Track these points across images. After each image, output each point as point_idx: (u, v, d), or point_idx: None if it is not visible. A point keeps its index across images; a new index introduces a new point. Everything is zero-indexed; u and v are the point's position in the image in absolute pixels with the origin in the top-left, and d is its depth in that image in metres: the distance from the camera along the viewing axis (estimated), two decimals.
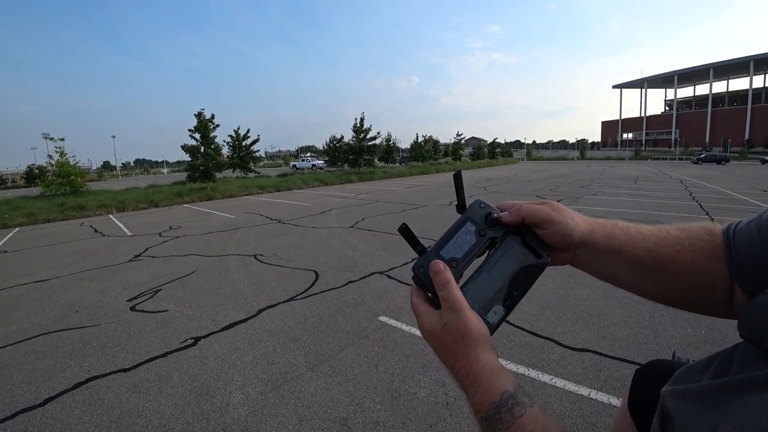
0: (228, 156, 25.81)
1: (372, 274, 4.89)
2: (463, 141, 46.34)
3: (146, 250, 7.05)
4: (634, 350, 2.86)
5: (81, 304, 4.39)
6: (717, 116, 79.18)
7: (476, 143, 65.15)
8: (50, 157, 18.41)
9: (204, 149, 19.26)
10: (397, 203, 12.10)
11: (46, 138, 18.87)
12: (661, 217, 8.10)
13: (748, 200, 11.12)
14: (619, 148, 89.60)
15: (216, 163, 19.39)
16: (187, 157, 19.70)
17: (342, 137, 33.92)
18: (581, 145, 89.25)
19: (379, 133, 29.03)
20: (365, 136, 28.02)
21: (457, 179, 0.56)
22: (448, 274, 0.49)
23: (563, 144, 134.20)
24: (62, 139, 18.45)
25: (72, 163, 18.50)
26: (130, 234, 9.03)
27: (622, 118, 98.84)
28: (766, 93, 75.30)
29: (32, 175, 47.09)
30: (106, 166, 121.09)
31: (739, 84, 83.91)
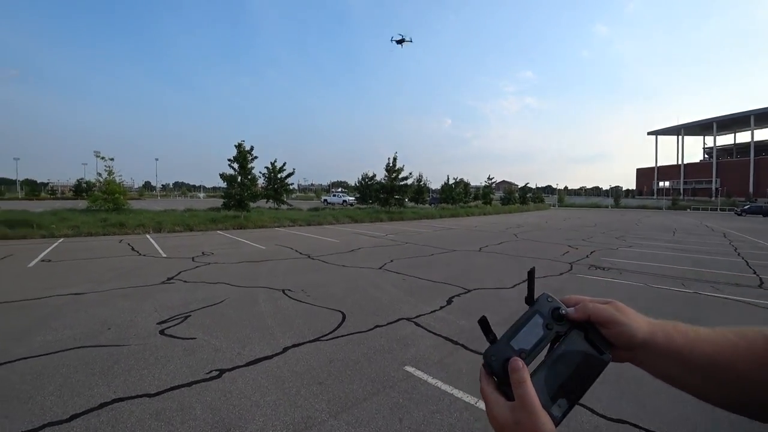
0: (263, 187, 26.69)
1: (399, 320, 4.81)
2: (493, 184, 46.16)
3: (179, 273, 7.23)
4: (676, 425, 2.64)
5: (114, 322, 4.50)
6: (760, 165, 75.06)
7: (507, 187, 64.79)
8: (99, 174, 19.71)
9: (241, 179, 20.00)
10: (426, 246, 12.01)
11: (97, 156, 20.18)
12: (702, 274, 7.61)
13: None
14: (655, 197, 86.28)
15: (251, 193, 20.04)
16: (223, 184, 20.48)
17: (374, 175, 34.51)
18: (615, 192, 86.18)
19: (411, 173, 29.38)
20: (397, 175, 28.37)
21: (531, 275, 0.58)
22: (526, 374, 0.51)
23: (596, 191, 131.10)
24: (112, 159, 19.77)
25: (117, 181, 19.63)
26: (165, 256, 9.32)
27: (659, 165, 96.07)
28: None
29: (80, 189, 50.11)
30: (147, 185, 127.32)
31: None
